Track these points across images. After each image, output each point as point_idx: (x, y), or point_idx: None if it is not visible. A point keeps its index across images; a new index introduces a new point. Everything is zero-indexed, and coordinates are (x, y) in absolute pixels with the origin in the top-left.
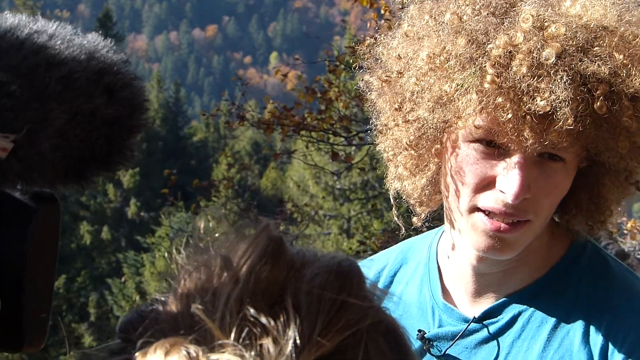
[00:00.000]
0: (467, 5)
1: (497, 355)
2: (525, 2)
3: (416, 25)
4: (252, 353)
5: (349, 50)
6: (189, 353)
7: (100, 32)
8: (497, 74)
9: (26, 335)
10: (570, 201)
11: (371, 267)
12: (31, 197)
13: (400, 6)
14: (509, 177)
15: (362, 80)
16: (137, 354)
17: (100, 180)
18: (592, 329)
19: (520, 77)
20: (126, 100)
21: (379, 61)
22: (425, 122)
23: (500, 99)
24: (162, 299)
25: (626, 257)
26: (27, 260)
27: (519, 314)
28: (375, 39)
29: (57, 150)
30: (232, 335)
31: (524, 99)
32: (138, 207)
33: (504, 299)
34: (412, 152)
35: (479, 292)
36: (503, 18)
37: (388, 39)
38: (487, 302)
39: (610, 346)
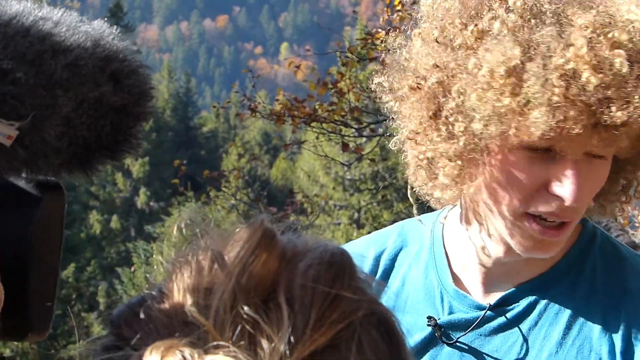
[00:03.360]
0: (509, 10)
1: (513, 343)
2: (574, 7)
3: (448, 30)
4: (247, 352)
5: (361, 43)
6: (184, 356)
7: (111, 22)
8: (566, 86)
9: (32, 323)
10: None
11: (368, 250)
12: (36, 185)
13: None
14: (567, 181)
15: (376, 82)
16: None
17: (110, 169)
18: (611, 315)
19: (593, 88)
20: (132, 88)
21: (403, 65)
22: (478, 134)
23: (572, 112)
24: (154, 293)
25: (637, 248)
26: (33, 249)
27: (536, 301)
28: (389, 34)
29: (62, 138)
30: (226, 334)
31: (597, 110)
32: (147, 197)
33: (520, 286)
34: (458, 162)
35: (493, 280)
36: (558, 26)
37: (410, 40)
38: (501, 289)
39: (633, 331)
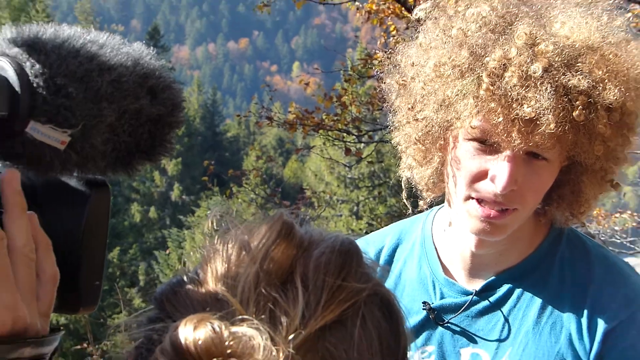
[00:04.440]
0: (472, 22)
1: (497, 323)
2: (521, 22)
3: (428, 37)
4: (267, 324)
5: (361, 62)
6: (213, 328)
7: (149, 43)
8: (492, 82)
9: (82, 299)
10: (554, 194)
11: (368, 247)
12: (85, 183)
13: (405, 26)
14: (499, 170)
15: (384, 82)
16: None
17: (149, 168)
18: (578, 299)
19: (511, 87)
20: (167, 101)
21: (397, 67)
22: (431, 120)
23: (492, 104)
24: (191, 275)
25: (593, 238)
26: (83, 237)
27: (513, 288)
28: (391, 51)
29: (108, 143)
30: (250, 309)
31: (514, 105)
32: (180, 191)
33: (499, 275)
34: (420, 146)
35: (475, 270)
36: (500, 35)
37: (406, 48)
38: (482, 277)
39: (596, 312)
